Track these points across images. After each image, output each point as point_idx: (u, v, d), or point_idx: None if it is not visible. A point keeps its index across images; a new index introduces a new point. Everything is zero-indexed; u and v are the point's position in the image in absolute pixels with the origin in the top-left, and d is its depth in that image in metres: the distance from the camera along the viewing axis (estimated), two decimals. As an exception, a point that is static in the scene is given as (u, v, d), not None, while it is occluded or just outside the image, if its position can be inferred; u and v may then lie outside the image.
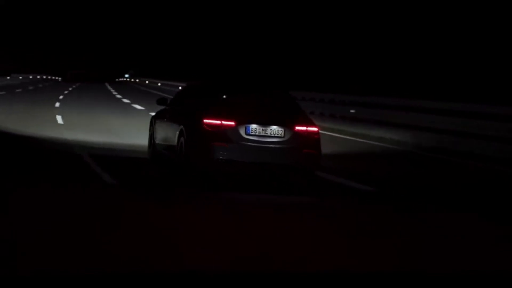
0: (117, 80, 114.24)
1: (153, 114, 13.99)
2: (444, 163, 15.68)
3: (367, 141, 18.99)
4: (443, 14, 37.32)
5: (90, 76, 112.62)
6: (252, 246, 6.94)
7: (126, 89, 62.78)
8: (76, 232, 7.25)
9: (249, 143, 10.56)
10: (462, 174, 14.05)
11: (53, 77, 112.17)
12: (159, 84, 64.24)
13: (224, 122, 10.59)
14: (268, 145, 10.61)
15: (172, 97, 13.68)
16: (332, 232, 7.79)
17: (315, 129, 10.93)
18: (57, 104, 28.70)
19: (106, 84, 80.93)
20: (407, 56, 38.55)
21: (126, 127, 20.08)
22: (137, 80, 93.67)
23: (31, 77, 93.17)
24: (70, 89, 54.53)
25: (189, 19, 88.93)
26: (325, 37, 48.08)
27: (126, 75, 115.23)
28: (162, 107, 13.25)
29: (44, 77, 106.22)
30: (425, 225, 8.43)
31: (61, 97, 37.23)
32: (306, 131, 10.81)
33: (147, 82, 79.11)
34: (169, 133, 11.97)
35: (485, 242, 7.70)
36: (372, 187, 11.29)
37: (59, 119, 20.88)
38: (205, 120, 10.65)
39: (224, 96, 11.36)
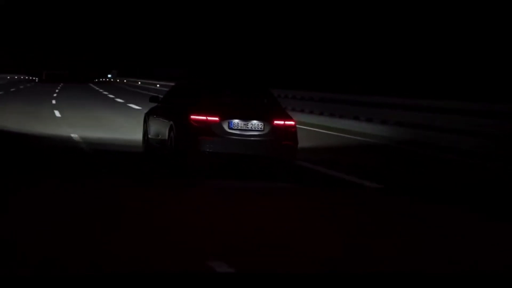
0: (96, 80, 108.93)
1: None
2: (419, 156, 16.29)
3: (351, 136, 19.87)
4: (426, 14, 37.44)
5: (68, 77, 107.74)
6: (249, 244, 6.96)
7: (119, 90, 60.62)
8: (77, 231, 7.27)
9: (232, 137, 11.41)
10: (440, 167, 14.55)
11: (31, 77, 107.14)
12: (157, 85, 53.45)
13: (209, 118, 11.44)
14: (250, 138, 11.48)
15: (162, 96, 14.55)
16: (332, 232, 7.79)
17: (292, 123, 11.78)
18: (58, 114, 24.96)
19: (93, 85, 76.78)
20: (397, 56, 38.68)
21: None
22: (125, 81, 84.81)
23: (8, 77, 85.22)
24: (57, 90, 51.51)
25: (175, 17, 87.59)
26: (321, 38, 48.12)
27: (109, 75, 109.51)
28: (155, 104, 13.95)
29: (22, 77, 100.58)
30: (425, 225, 8.43)
31: (53, 101, 33.94)
32: (284, 124, 11.65)
33: (139, 83, 69.08)
34: (160, 129, 12.74)
35: (485, 241, 7.69)
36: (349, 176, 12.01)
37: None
38: (191, 116, 11.49)
39: (209, 94, 12.38)
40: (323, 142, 18.36)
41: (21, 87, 59.33)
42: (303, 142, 12.46)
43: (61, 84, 76.15)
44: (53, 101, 33.76)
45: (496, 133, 16.08)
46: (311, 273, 6.10)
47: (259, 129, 11.49)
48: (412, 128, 19.00)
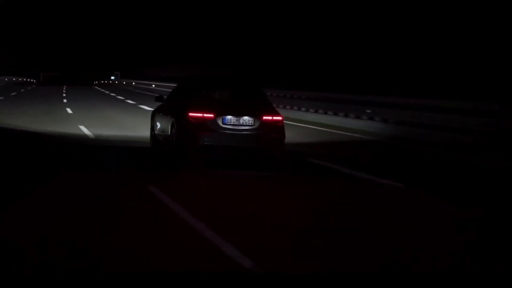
0: (96, 82, 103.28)
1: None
2: (407, 149, 17.24)
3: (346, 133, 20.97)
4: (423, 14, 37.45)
5: (66, 79, 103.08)
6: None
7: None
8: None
9: (226, 131, 12.76)
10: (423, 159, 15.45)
11: (29, 80, 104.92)
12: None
13: (205, 115, 12.79)
14: (241, 132, 12.83)
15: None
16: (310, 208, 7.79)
17: (279, 118, 13.13)
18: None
19: (103, 89, 68.39)
20: (394, 56, 38.77)
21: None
22: (133, 83, 75.66)
23: (6, 79, 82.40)
24: (64, 94, 48.29)
25: (177, 16, 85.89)
26: (319, 39, 48.13)
27: (112, 77, 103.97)
28: (160, 103, 15.03)
29: (20, 79, 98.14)
30: (425, 225, 8.41)
31: (69, 111, 28.42)
32: (272, 120, 13.00)
33: (153, 85, 60.41)
34: (164, 125, 14.05)
35: (483, 242, 7.67)
36: (337, 165, 13.16)
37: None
38: (190, 114, 12.83)
39: (206, 93, 13.80)
40: (319, 138, 19.47)
41: (22, 90, 57.64)
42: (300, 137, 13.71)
43: (65, 86, 73.16)
44: (69, 110, 28.69)
45: (477, 129, 16.91)
46: (311, 273, 6.10)
47: (250, 124, 12.82)
48: (406, 126, 19.87)
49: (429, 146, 17.13)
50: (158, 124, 14.55)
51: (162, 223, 7.78)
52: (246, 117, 12.81)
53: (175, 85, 15.91)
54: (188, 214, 8.04)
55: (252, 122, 12.83)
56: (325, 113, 25.22)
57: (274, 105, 14.15)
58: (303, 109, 27.41)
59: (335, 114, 24.45)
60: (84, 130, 18.90)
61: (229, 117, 12.78)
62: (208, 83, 15.09)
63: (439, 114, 18.68)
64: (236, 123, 12.80)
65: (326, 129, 21.91)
